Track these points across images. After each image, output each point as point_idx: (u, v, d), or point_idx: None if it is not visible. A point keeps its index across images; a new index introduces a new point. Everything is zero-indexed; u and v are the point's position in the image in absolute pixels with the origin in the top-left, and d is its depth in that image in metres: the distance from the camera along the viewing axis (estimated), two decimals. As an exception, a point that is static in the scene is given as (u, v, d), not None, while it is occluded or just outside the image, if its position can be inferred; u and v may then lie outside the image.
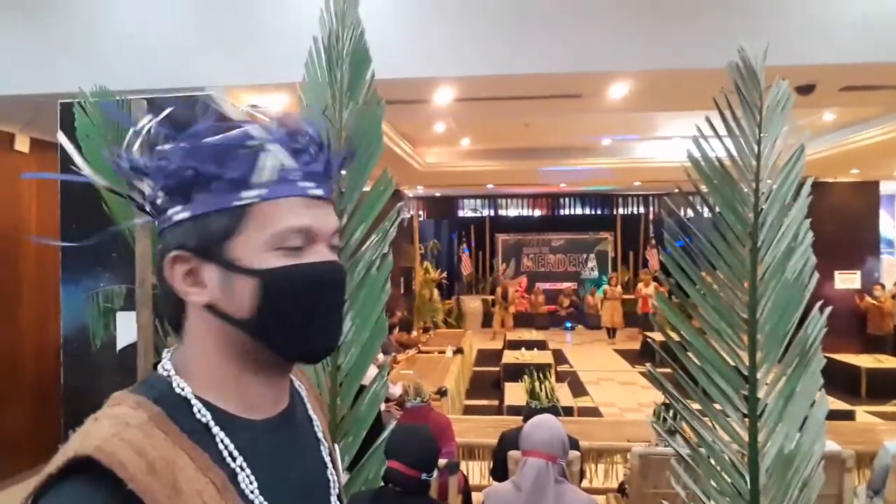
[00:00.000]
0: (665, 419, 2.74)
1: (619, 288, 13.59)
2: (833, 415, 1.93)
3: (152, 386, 0.68)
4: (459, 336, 10.06)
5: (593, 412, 7.23)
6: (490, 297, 15.19)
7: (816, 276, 1.96)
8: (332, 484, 0.78)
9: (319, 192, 0.71)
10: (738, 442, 1.94)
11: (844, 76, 4.18)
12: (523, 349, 8.74)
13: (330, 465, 0.79)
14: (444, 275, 14.47)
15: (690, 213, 2.24)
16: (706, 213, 2.14)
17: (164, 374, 0.69)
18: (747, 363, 1.96)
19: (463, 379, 8.36)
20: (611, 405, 7.95)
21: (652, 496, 3.22)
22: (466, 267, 16.07)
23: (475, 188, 14.22)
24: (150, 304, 2.71)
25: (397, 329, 8.57)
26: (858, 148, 7.47)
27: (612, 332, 13.30)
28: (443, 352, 8.19)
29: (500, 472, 3.35)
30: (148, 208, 0.71)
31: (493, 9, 3.82)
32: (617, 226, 16.03)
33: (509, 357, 8.29)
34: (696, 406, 2.00)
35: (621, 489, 3.78)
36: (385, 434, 2.19)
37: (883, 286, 9.71)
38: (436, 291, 12.95)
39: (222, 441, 0.66)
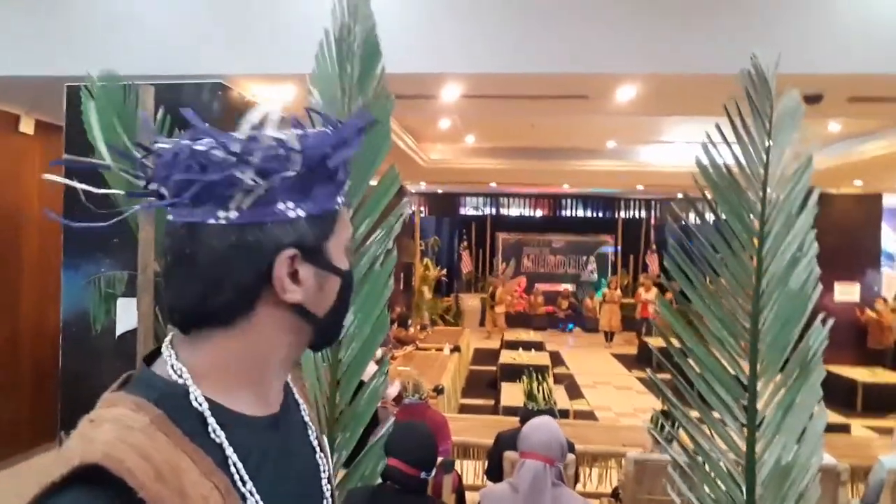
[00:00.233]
0: (663, 426, 2.73)
1: (618, 291, 13.58)
2: (828, 428, 1.92)
3: (150, 386, 0.65)
4: (457, 334, 10.07)
5: (589, 415, 7.23)
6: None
7: (820, 287, 1.95)
8: (321, 468, 0.79)
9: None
10: (735, 451, 1.93)
11: (853, 87, 4.17)
12: (521, 350, 8.75)
13: (318, 448, 0.80)
14: (444, 272, 14.48)
15: (696, 219, 2.23)
16: (710, 219, 2.13)
17: (175, 377, 0.65)
18: (747, 372, 1.95)
19: (459, 377, 8.36)
20: (606, 409, 7.95)
21: (646, 502, 3.22)
22: (466, 265, 16.07)
23: (478, 186, 14.20)
24: (152, 291, 2.71)
25: (396, 325, 8.57)
26: (863, 160, 7.47)
27: (609, 336, 13.31)
28: (440, 349, 8.20)
29: (495, 472, 3.35)
30: (169, 195, 0.66)
31: (503, 6, 3.81)
32: (618, 229, 16.02)
33: (506, 357, 8.30)
34: (694, 413, 2.00)
35: (615, 494, 3.78)
36: (383, 430, 2.19)
37: (885, 300, 9.71)
38: (426, 290, 12.93)
39: (224, 446, 0.64)
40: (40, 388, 5.27)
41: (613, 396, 8.79)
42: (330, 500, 0.79)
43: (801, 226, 1.99)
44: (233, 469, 0.64)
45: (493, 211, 16.42)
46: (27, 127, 5.26)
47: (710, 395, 1.97)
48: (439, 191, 15.14)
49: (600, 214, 16.18)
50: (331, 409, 2.14)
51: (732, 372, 1.97)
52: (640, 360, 11.09)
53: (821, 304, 1.92)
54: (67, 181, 0.78)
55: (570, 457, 3.17)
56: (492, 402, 7.35)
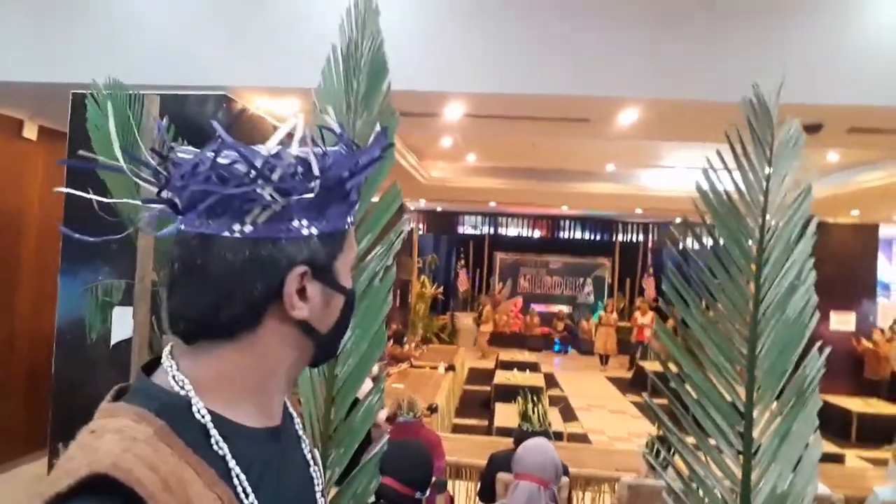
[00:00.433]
0: (658, 451, 2.72)
1: (614, 315, 13.57)
2: (823, 457, 1.91)
3: (151, 396, 0.64)
4: (452, 353, 10.03)
5: (582, 438, 7.19)
6: (494, 316, 15.20)
7: (817, 315, 1.96)
8: (315, 481, 0.79)
9: None
10: (730, 478, 1.92)
11: (853, 118, 4.21)
12: (515, 370, 8.72)
13: (312, 461, 0.80)
14: (441, 290, 14.47)
15: (693, 243, 2.24)
16: (708, 244, 2.14)
17: (176, 388, 0.65)
18: (744, 399, 1.95)
19: (453, 396, 8.31)
20: (600, 433, 7.90)
21: (639, 527, 3.19)
22: (463, 283, 16.06)
23: (477, 205, 14.25)
24: (149, 301, 2.70)
25: (391, 342, 8.54)
26: (861, 190, 7.52)
27: (604, 359, 13.27)
28: (435, 367, 8.16)
29: (487, 493, 3.32)
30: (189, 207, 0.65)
31: (509, 28, 3.85)
32: (616, 252, 16.05)
33: (501, 377, 8.26)
34: (689, 439, 1.99)
35: (607, 518, 3.75)
36: (376, 449, 2.17)
37: (882, 330, 9.72)
38: (422, 307, 12.92)
39: (227, 458, 0.64)
40: (33, 395, 5.22)
41: (607, 420, 8.74)
42: None
43: (799, 253, 2.00)
44: (235, 481, 0.64)
45: (492, 230, 16.45)
46: (30, 132, 5.27)
47: (706, 421, 1.96)
48: (438, 209, 15.18)
49: (598, 237, 16.22)
50: (325, 425, 2.13)
51: (729, 398, 1.96)
52: (635, 383, 11.05)
53: (817, 333, 1.92)
54: (76, 192, 0.78)
55: (564, 480, 3.14)
56: (485, 422, 7.30)
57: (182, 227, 0.67)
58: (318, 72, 2.17)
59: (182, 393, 0.65)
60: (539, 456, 2.14)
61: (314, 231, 0.67)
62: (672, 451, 1.97)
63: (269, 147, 0.65)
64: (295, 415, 0.81)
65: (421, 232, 15.19)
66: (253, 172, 0.63)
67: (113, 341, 3.37)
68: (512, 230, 16.52)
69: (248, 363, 0.68)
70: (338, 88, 2.14)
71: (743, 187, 2.04)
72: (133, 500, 0.55)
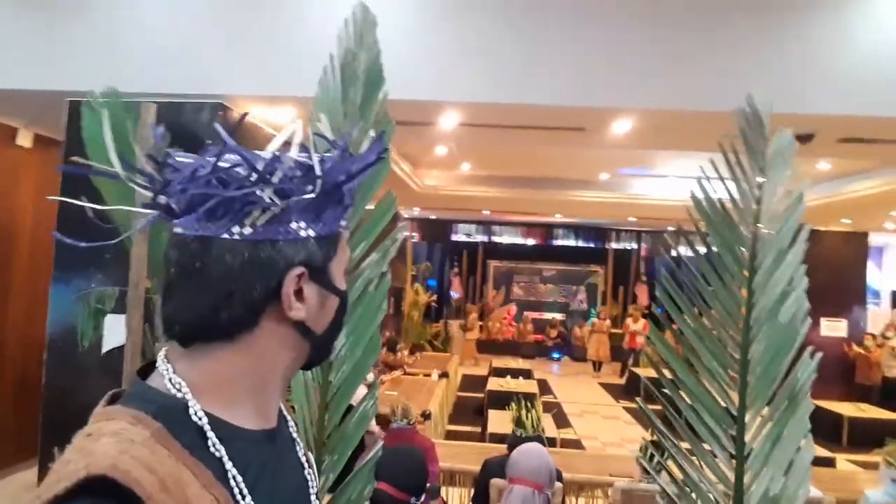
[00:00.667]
0: (652, 455, 2.74)
1: (607, 322, 13.61)
2: (814, 461, 1.93)
3: (147, 399, 0.65)
4: (445, 360, 10.02)
5: (576, 444, 7.19)
6: (479, 323, 15.18)
7: (809, 321, 1.98)
8: (310, 483, 0.80)
9: None
10: (724, 482, 1.94)
11: (844, 128, 4.26)
12: (509, 377, 8.73)
13: (306, 464, 0.81)
14: (434, 298, 14.46)
15: (688, 251, 2.26)
16: (702, 251, 2.16)
17: (173, 390, 0.65)
18: (737, 403, 1.97)
19: (447, 403, 8.30)
20: (593, 438, 7.91)
21: (633, 533, 3.20)
22: (457, 291, 16.07)
23: (471, 213, 14.28)
24: (142, 308, 2.70)
25: (385, 349, 8.52)
26: (851, 199, 7.60)
27: (597, 366, 13.29)
28: (428, 375, 8.15)
29: (481, 499, 3.31)
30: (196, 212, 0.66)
31: (504, 38, 3.89)
32: (608, 260, 16.11)
33: (494, 384, 8.26)
34: (683, 444, 2.00)
35: (602, 524, 3.75)
36: (370, 455, 2.17)
37: (873, 336, 9.80)
38: (416, 315, 12.92)
39: (224, 459, 0.65)
40: (24, 403, 5.18)
41: (600, 426, 8.75)
42: None
43: (791, 260, 2.03)
44: (232, 483, 0.64)
45: (486, 238, 16.48)
46: (25, 140, 5.26)
47: (700, 426, 1.98)
48: (432, 217, 15.19)
49: (591, 245, 16.29)
50: (319, 432, 2.13)
51: (722, 403, 1.98)
52: (628, 390, 11.08)
53: (808, 340, 1.95)
54: (69, 200, 0.79)
55: (558, 485, 3.15)
56: (479, 429, 7.30)
57: (180, 230, 0.67)
58: (314, 81, 2.19)
59: (179, 395, 0.65)
60: (533, 460, 2.15)
61: (311, 233, 0.69)
62: (666, 455, 1.99)
63: (270, 150, 0.66)
64: (289, 418, 0.82)
65: (415, 240, 15.20)
66: (254, 175, 0.64)
67: (105, 349, 3.36)
68: (506, 238, 16.56)
69: (245, 364, 0.68)
70: (335, 98, 2.16)
71: (736, 195, 2.08)
72: (131, 502, 0.55)
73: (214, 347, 0.67)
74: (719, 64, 3.81)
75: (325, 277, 0.71)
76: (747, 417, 1.96)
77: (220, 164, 0.65)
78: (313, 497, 0.80)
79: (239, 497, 0.64)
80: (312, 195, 0.67)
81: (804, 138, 4.25)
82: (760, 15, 3.82)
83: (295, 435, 0.82)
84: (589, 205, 10.82)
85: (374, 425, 3.77)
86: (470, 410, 8.69)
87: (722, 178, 2.06)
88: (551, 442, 5.15)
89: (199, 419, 0.65)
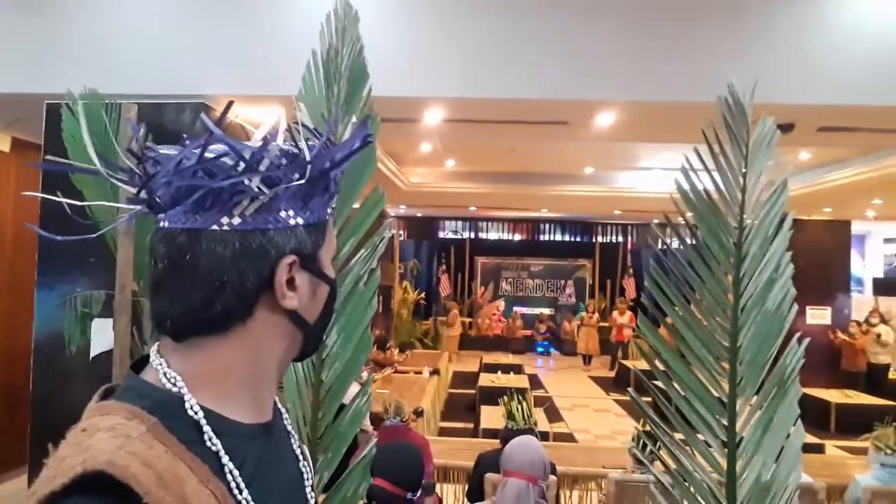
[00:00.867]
0: (645, 445, 2.76)
1: (595, 315, 13.67)
2: (804, 448, 1.95)
3: (142, 394, 0.64)
4: (436, 357, 10.02)
5: (568, 438, 7.22)
6: (468, 320, 15.21)
7: (796, 307, 2.00)
8: (305, 476, 0.80)
9: None
10: (716, 470, 1.95)
11: (822, 117, 4.31)
12: (499, 373, 8.74)
13: (301, 457, 0.81)
14: (423, 295, 14.46)
15: (674, 241, 2.28)
16: (687, 241, 2.17)
17: (168, 385, 0.65)
18: (727, 391, 1.99)
19: (439, 400, 8.31)
20: (585, 431, 7.95)
21: (627, 523, 3.22)
22: (445, 288, 16.07)
23: (457, 210, 14.29)
24: (129, 311, 2.67)
25: (375, 347, 8.50)
26: (832, 187, 7.69)
27: (587, 359, 13.36)
28: (419, 372, 8.15)
29: (475, 493, 3.32)
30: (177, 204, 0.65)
31: (486, 33, 3.89)
32: (595, 253, 16.19)
33: (485, 380, 8.28)
34: (676, 434, 2.02)
35: (595, 516, 3.77)
36: (365, 452, 2.17)
37: (858, 323, 9.92)
38: (405, 313, 12.91)
39: (221, 454, 0.65)
40: (10, 411, 5.11)
41: (592, 419, 8.80)
42: None
43: (776, 248, 2.04)
44: (229, 477, 0.64)
45: (472, 235, 16.50)
46: (3, 144, 5.18)
47: (691, 414, 1.99)
48: (418, 214, 15.18)
49: (578, 239, 16.35)
50: (313, 430, 2.12)
51: (712, 391, 2.00)
52: (618, 382, 11.14)
53: (794, 328, 1.97)
54: (47, 196, 0.78)
55: (552, 478, 3.16)
56: (471, 425, 7.31)
57: (166, 224, 0.66)
58: (298, 80, 2.18)
59: (174, 390, 0.65)
60: (527, 453, 2.15)
61: (300, 221, 0.69)
62: (658, 445, 2.00)
63: (255, 139, 0.66)
64: (284, 411, 0.82)
65: (402, 238, 15.18)
66: (241, 164, 0.64)
67: (93, 353, 3.33)
68: (492, 234, 16.58)
69: (239, 356, 0.68)
70: (318, 94, 2.15)
71: (721, 184, 2.09)
72: (129, 497, 0.54)
73: (208, 341, 0.67)
74: (700, 55, 3.83)
75: (315, 265, 0.72)
76: (738, 405, 1.97)
77: (206, 154, 0.64)
78: (309, 489, 0.80)
79: (236, 491, 0.64)
80: (301, 182, 0.67)
81: (785, 128, 4.30)
82: (739, 4, 3.85)
83: (290, 427, 0.82)
84: (574, 199, 10.86)
85: (367, 423, 3.77)
86: (462, 407, 8.70)
87: (707, 168, 2.07)
88: (544, 436, 5.17)
89: (195, 413, 0.64)
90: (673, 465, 1.98)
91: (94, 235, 0.74)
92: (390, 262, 12.48)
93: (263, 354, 0.70)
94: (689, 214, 2.10)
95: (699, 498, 1.93)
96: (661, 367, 2.02)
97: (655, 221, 13.29)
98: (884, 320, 9.92)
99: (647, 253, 15.18)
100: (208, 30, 3.94)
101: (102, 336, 3.26)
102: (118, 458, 0.56)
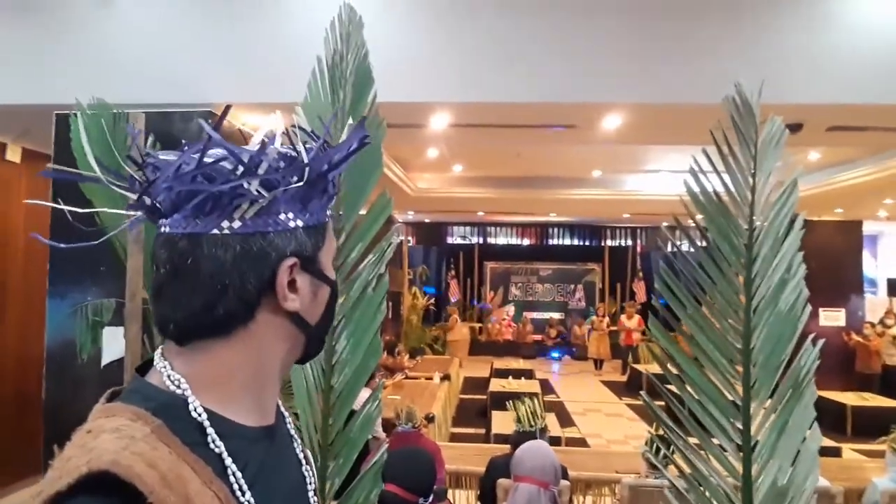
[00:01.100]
0: (659, 449, 2.73)
1: (606, 319, 13.60)
2: (820, 451, 1.92)
3: (147, 396, 0.65)
4: (447, 363, 10.00)
5: (580, 443, 7.18)
6: (478, 325, 15.17)
7: (809, 308, 1.97)
8: (308, 480, 0.81)
9: None
10: (732, 474, 1.93)
11: (832, 116, 4.27)
12: (510, 378, 8.71)
13: (304, 460, 0.81)
14: (432, 301, 14.45)
15: (684, 244, 2.26)
16: (697, 243, 2.15)
17: (172, 387, 0.66)
18: (741, 394, 1.96)
19: (450, 406, 8.28)
20: (597, 436, 7.90)
21: (640, 529, 3.18)
22: (454, 294, 16.05)
23: (465, 215, 14.29)
24: (140, 319, 2.68)
25: (385, 353, 8.50)
26: (843, 187, 7.62)
27: (598, 364, 13.28)
28: (430, 378, 8.13)
29: (488, 498, 3.30)
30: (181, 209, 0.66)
31: (491, 37, 3.88)
32: (605, 257, 16.13)
33: (496, 385, 8.24)
34: (691, 438, 1.99)
35: (608, 521, 3.74)
36: (376, 458, 2.15)
37: (873, 324, 9.81)
38: (414, 319, 12.89)
39: (224, 456, 0.65)
40: (24, 420, 5.14)
41: (604, 424, 8.74)
42: None
43: (787, 248, 2.02)
44: (232, 479, 0.65)
45: (481, 240, 16.48)
46: (14, 155, 5.23)
47: (705, 418, 1.97)
48: (426, 220, 15.19)
49: (587, 243, 16.30)
50: (323, 436, 2.11)
51: (726, 394, 1.97)
52: (630, 387, 11.07)
53: (807, 330, 1.94)
54: (50, 204, 0.79)
55: (565, 483, 3.13)
56: (483, 430, 7.28)
57: (167, 229, 0.67)
58: (303, 86, 2.18)
59: (178, 392, 0.65)
60: (538, 458, 2.13)
61: (299, 223, 0.69)
62: (672, 449, 1.97)
63: (253, 143, 0.67)
64: (287, 415, 0.83)
65: (410, 244, 15.19)
66: (240, 168, 0.64)
67: (104, 362, 3.34)
68: (501, 239, 16.56)
69: (241, 359, 0.68)
70: (324, 100, 2.15)
71: (730, 185, 2.07)
72: (133, 497, 0.55)
73: (210, 344, 0.67)
74: (705, 55, 3.81)
75: (315, 267, 0.72)
76: (752, 408, 1.95)
77: (205, 159, 0.64)
78: (311, 493, 0.80)
79: (238, 493, 0.65)
80: (300, 184, 0.67)
81: (793, 128, 4.26)
82: (744, 4, 3.83)
83: (293, 432, 0.82)
84: (582, 203, 10.83)
85: (379, 430, 3.76)
86: (473, 412, 8.67)
87: (715, 169, 2.05)
88: (556, 441, 5.14)
89: (199, 415, 0.65)
90: (687, 470, 1.96)
91: (95, 243, 0.75)
92: (399, 268, 12.49)
93: (266, 357, 0.70)
94: (698, 216, 2.08)
95: (715, 502, 1.91)
96: (674, 370, 2.00)
97: (665, 224, 13.23)
98: (899, 321, 9.81)
99: (657, 256, 15.11)
100: (215, 39, 3.97)
101: (114, 344, 3.27)
102: (123, 458, 0.56)
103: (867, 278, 12.45)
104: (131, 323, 2.63)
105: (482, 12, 3.90)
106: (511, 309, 16.04)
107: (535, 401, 3.87)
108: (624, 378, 12.02)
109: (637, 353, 12.37)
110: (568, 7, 3.88)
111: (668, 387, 1.98)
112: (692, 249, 2.16)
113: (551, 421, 5.70)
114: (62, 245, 0.70)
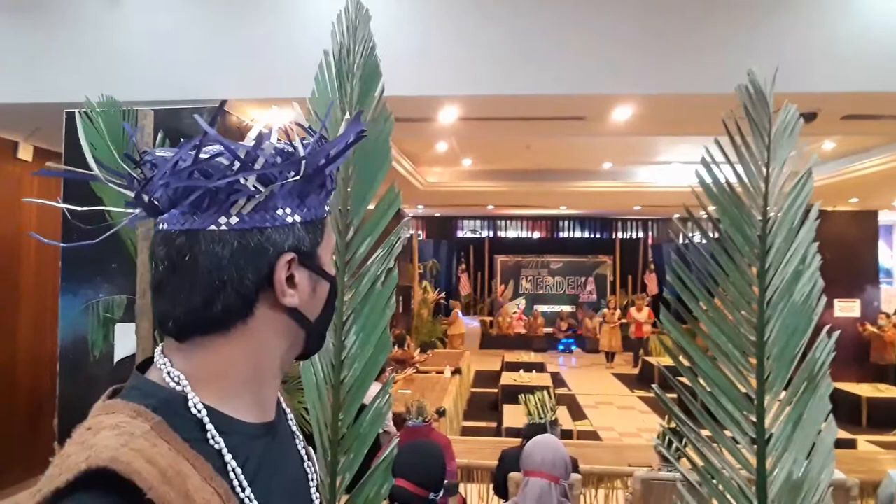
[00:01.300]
0: (671, 442, 2.71)
1: (617, 312, 13.55)
2: (835, 443, 1.90)
3: (147, 393, 0.65)
4: (458, 356, 10.01)
5: (592, 436, 7.16)
6: (489, 319, 15.16)
7: (824, 299, 1.94)
8: (310, 476, 0.80)
9: None
10: (746, 467, 1.91)
11: (846, 105, 4.21)
12: (521, 371, 8.70)
13: (305, 456, 0.81)
14: (443, 295, 14.46)
15: (695, 235, 2.23)
16: (710, 234, 2.13)
17: (172, 384, 0.66)
18: (755, 386, 1.94)
19: (461, 400, 8.29)
20: (609, 429, 7.88)
21: (653, 522, 3.16)
22: (465, 287, 16.04)
23: (475, 209, 14.26)
24: (151, 315, 2.69)
25: (395, 346, 8.51)
26: (858, 177, 7.52)
27: (610, 357, 13.24)
28: (441, 372, 8.14)
29: (502, 489, 3.30)
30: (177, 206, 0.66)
31: (500, 29, 3.85)
32: (616, 249, 16.05)
33: (507, 379, 8.25)
34: (704, 431, 1.97)
35: (621, 515, 3.72)
36: (386, 453, 2.15)
37: (888, 315, 9.70)
38: (425, 313, 12.90)
39: (224, 452, 0.65)
40: (38, 417, 5.20)
41: (616, 417, 8.71)
42: None
43: (802, 239, 1.99)
44: (232, 475, 0.65)
45: (491, 233, 16.46)
46: (25, 154, 5.27)
47: (718, 411, 1.95)
48: (437, 214, 15.18)
49: (598, 235, 16.23)
50: (333, 432, 2.11)
51: (740, 386, 1.95)
52: (642, 379, 11.03)
53: (822, 321, 1.91)
54: (48, 202, 0.80)
55: (577, 477, 3.12)
56: (494, 424, 7.28)
57: (165, 226, 0.67)
58: (310, 81, 2.17)
59: (178, 389, 0.65)
60: (548, 452, 2.12)
61: (297, 218, 0.69)
62: (684, 442, 1.96)
63: (249, 139, 0.66)
64: (288, 411, 0.82)
65: (420, 238, 15.19)
66: (237, 164, 0.64)
67: (116, 358, 3.36)
68: (511, 232, 16.53)
69: (241, 355, 0.68)
70: (331, 94, 2.14)
71: (743, 175, 2.04)
72: (132, 494, 0.55)
73: (209, 340, 0.67)
74: (717, 45, 3.76)
75: (314, 262, 0.72)
76: (766, 400, 1.92)
77: (201, 155, 0.64)
78: (313, 490, 0.80)
79: (238, 489, 0.64)
80: (297, 178, 0.67)
81: (808, 117, 4.20)
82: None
83: (294, 428, 0.82)
84: (593, 195, 10.77)
85: (390, 425, 3.76)
86: (485, 406, 8.68)
87: (728, 159, 2.02)
88: (567, 434, 5.13)
89: (199, 412, 0.65)
90: (700, 463, 1.94)
91: (95, 242, 0.75)
92: (409, 262, 12.50)
93: (265, 353, 0.70)
94: (711, 207, 2.05)
95: (728, 496, 1.89)
96: (686, 363, 1.98)
97: (676, 216, 13.14)
98: (915, 312, 9.70)
99: (669, 247, 15.02)
100: (222, 35, 3.97)
101: (125, 341, 3.30)
102: (122, 454, 0.56)
103: (883, 269, 12.32)
104: (142, 319, 2.64)
105: (490, 4, 3.87)
106: (521, 302, 16.01)
107: (546, 393, 3.85)
108: (636, 371, 11.98)
109: (648, 346, 12.32)
110: (579, 0, 3.84)
111: (681, 379, 1.96)
112: (704, 241, 2.13)
113: (563, 414, 5.69)
114: (62, 245, 0.70)
